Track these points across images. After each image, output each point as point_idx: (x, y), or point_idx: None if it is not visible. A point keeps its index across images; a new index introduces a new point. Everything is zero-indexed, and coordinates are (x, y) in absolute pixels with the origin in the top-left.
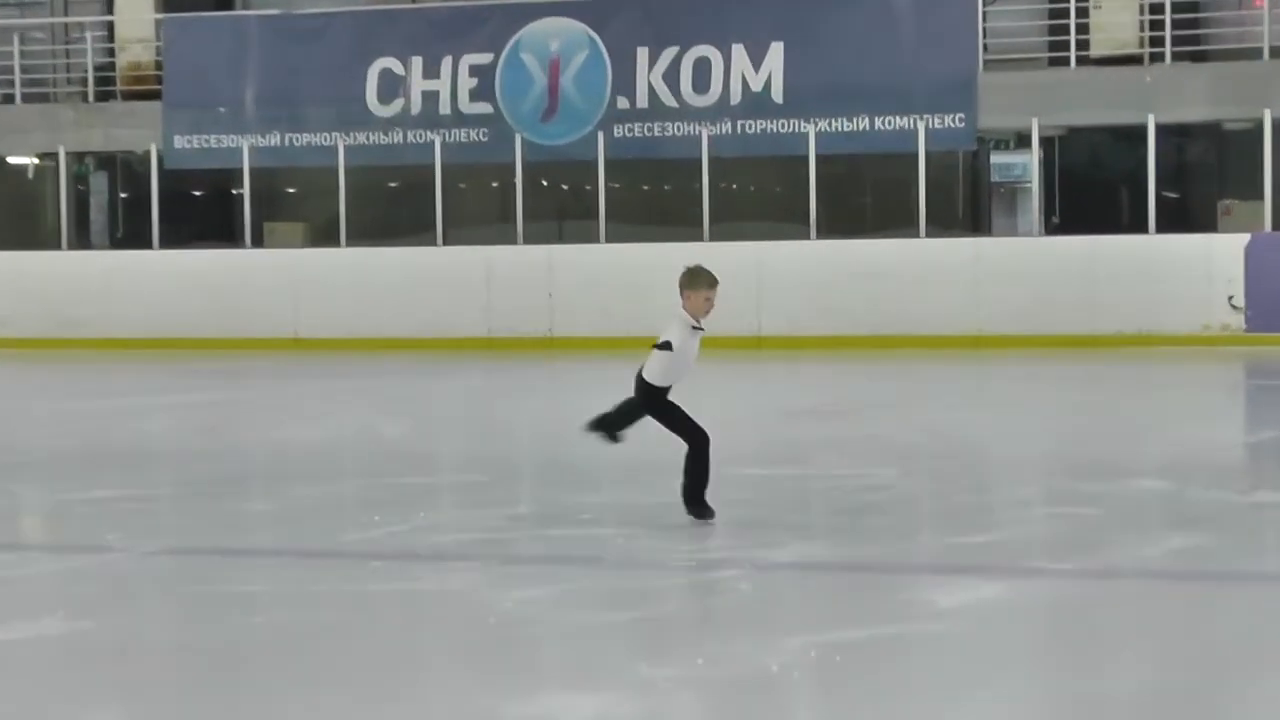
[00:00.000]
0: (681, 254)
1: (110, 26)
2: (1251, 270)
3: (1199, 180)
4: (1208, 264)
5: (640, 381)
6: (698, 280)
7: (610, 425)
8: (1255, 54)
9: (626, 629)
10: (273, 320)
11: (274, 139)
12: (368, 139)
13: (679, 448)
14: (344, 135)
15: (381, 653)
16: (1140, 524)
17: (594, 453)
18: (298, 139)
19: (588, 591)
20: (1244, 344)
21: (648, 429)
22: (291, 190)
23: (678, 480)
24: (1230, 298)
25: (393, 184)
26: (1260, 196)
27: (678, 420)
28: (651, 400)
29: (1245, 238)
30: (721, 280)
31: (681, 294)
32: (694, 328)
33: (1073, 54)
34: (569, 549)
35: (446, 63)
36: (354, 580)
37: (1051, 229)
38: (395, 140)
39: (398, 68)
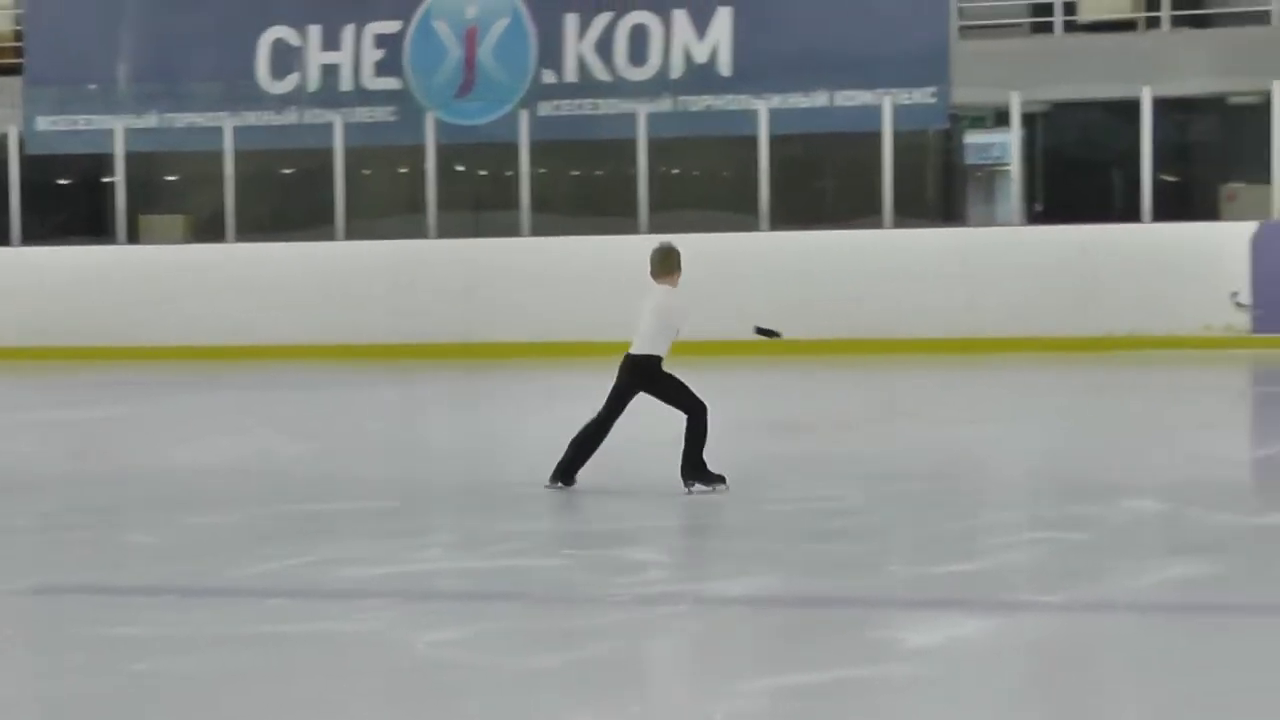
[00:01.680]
0: (615, 247)
1: None
2: (1259, 263)
3: (1200, 162)
4: (1210, 256)
5: (632, 361)
6: (674, 261)
7: (568, 470)
8: (1263, 19)
9: (556, 674)
10: (151, 326)
11: (151, 120)
12: (258, 119)
13: (611, 470)
14: (231, 115)
15: (281, 702)
16: (1136, 550)
17: (520, 475)
18: (178, 120)
19: (513, 631)
20: (1250, 346)
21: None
22: (171, 178)
23: (612, 504)
24: (1234, 294)
25: (287, 170)
26: (1268, 180)
27: (677, 390)
28: (650, 373)
29: (1252, 226)
30: None
31: (657, 279)
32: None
33: (1058, 19)
34: (492, 583)
35: (348, 32)
36: (249, 621)
37: (1034, 217)
38: (290, 121)
39: (292, 38)
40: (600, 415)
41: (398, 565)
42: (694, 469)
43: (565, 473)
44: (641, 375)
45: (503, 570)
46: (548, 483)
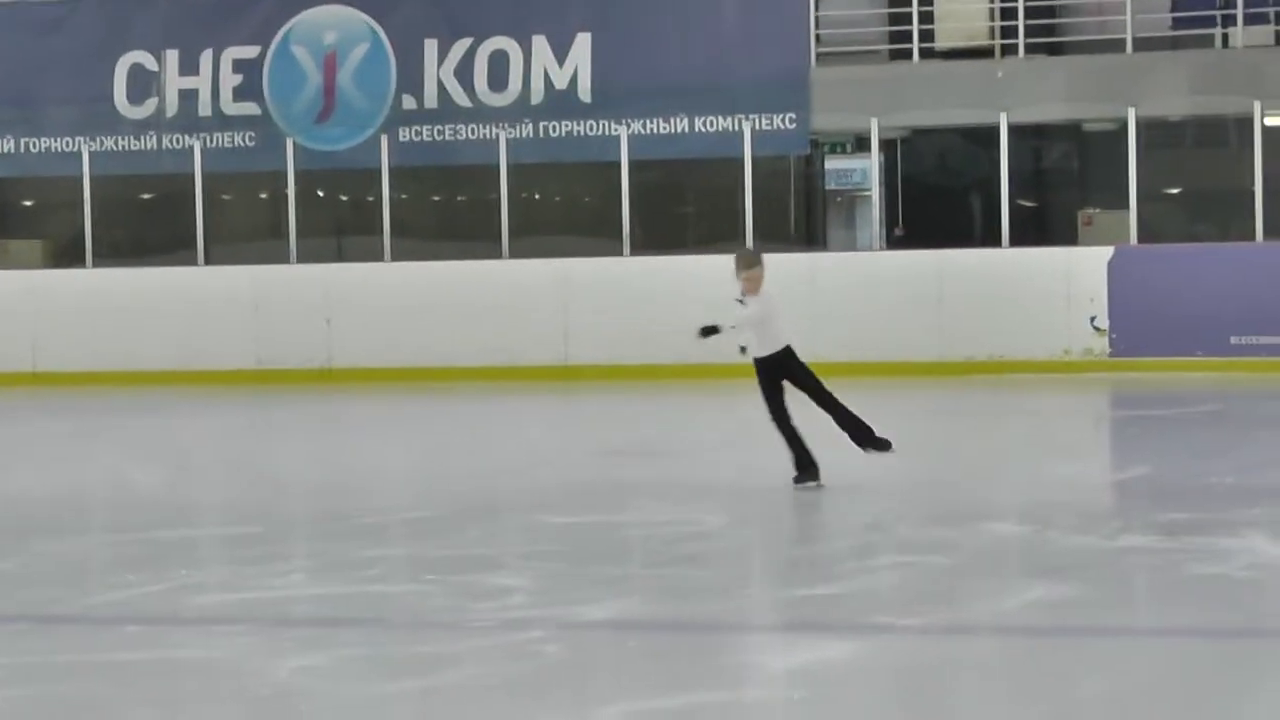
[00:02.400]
0: (477, 272)
1: None
2: (1115, 288)
3: (1058, 187)
4: (1068, 281)
5: (757, 364)
6: (749, 260)
7: (802, 463)
8: (1118, 46)
9: (415, 700)
10: (6, 352)
11: (7, 144)
12: (116, 144)
13: (476, 496)
14: (89, 140)
15: None
16: (997, 573)
17: (380, 501)
18: (35, 144)
19: (372, 658)
20: (1108, 370)
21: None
22: (28, 203)
23: (473, 529)
24: (1092, 319)
25: (146, 195)
26: (1125, 205)
27: (803, 380)
28: (767, 373)
29: (1108, 251)
30: (523, 301)
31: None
32: (737, 300)
33: (916, 46)
34: (351, 609)
35: (206, 57)
36: (104, 649)
37: (894, 242)
38: (148, 146)
39: (150, 63)
40: (773, 411)
41: (256, 591)
42: (861, 434)
43: (804, 467)
44: (763, 373)
45: (362, 596)
46: (794, 484)
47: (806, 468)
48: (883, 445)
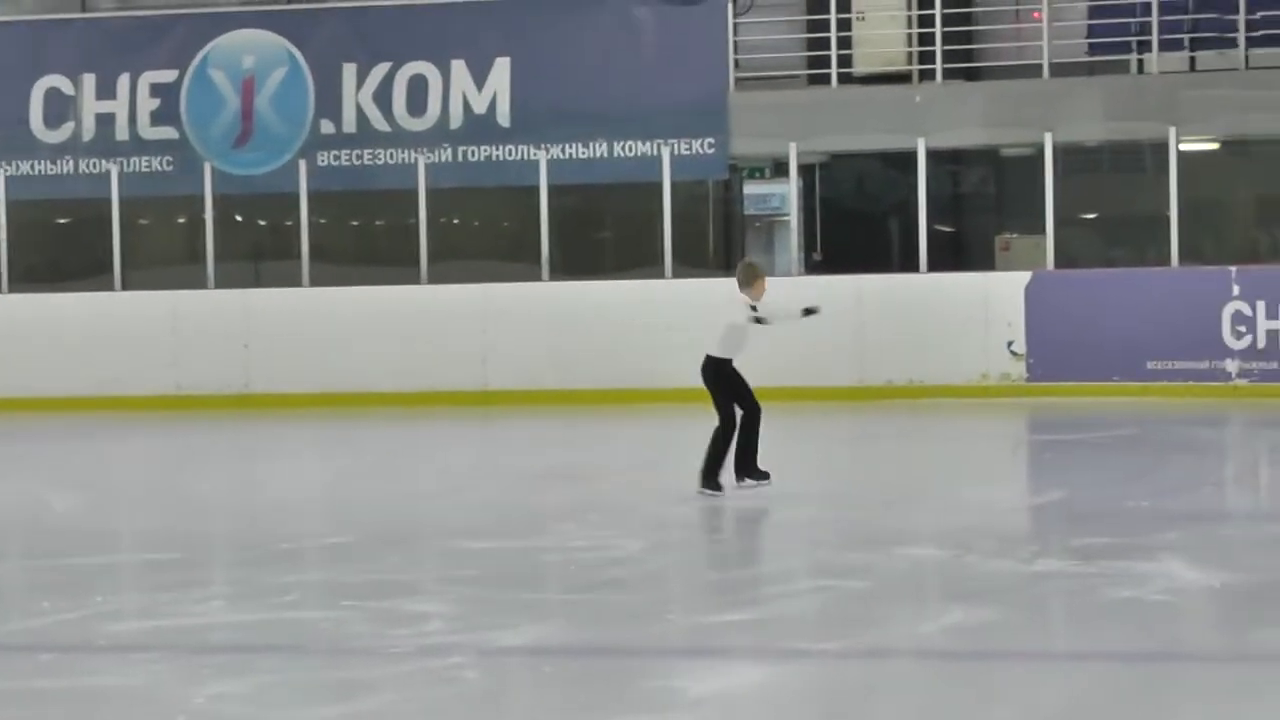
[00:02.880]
0: (395, 297)
1: None
2: (1032, 313)
3: (975, 212)
4: (985, 306)
5: (709, 361)
6: (756, 272)
7: (710, 473)
8: (1034, 72)
9: None
10: None
11: None
12: (32, 169)
13: (391, 521)
14: (4, 164)
15: None
16: (914, 597)
17: (299, 527)
18: None
19: (290, 684)
20: (1026, 395)
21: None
22: None
23: (392, 555)
24: (1010, 343)
25: (62, 220)
26: (1042, 230)
27: (737, 389)
28: (719, 372)
29: (1025, 276)
30: (442, 326)
31: (741, 289)
32: (751, 307)
33: (834, 72)
34: (268, 635)
35: (124, 81)
36: (19, 676)
37: (812, 267)
38: (65, 170)
39: (66, 87)
40: (739, 408)
41: (172, 618)
42: (747, 465)
43: (712, 477)
44: (717, 374)
45: (280, 622)
46: (698, 490)
47: (714, 479)
48: (760, 476)
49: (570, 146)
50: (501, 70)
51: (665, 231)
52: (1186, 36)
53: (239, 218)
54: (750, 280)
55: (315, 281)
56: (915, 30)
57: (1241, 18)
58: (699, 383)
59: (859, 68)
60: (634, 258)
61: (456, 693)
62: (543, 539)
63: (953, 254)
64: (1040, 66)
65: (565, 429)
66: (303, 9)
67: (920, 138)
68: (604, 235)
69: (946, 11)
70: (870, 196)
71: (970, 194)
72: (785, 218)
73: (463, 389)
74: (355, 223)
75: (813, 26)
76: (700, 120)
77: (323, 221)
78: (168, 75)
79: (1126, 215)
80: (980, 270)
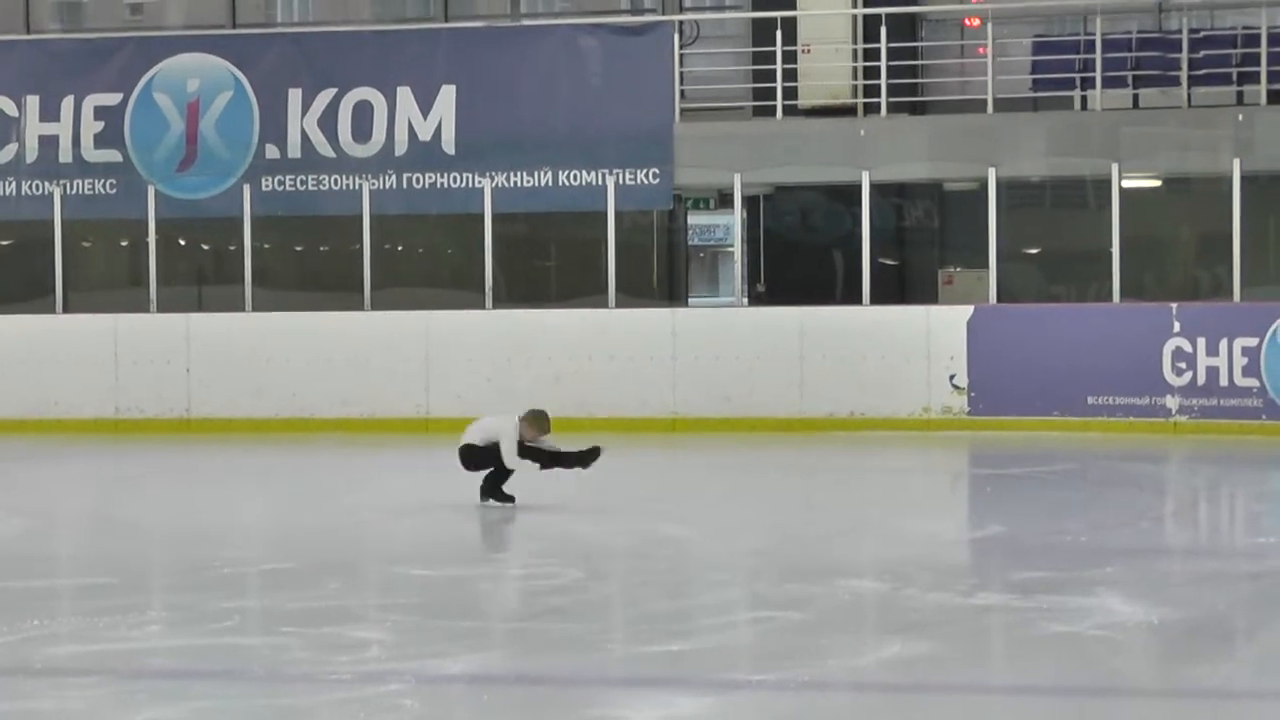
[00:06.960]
0: (338, 324)
1: None
2: (974, 347)
3: (918, 246)
4: (927, 339)
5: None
6: (542, 422)
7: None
8: (979, 106)
9: None
10: None
11: None
12: None
13: (334, 546)
14: None
15: None
16: (853, 629)
17: (237, 553)
18: None
19: (228, 710)
20: (967, 428)
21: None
22: None
23: (332, 581)
24: (952, 377)
25: (4, 242)
26: (984, 264)
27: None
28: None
29: (968, 310)
30: (385, 353)
31: (522, 422)
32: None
33: (779, 104)
34: (206, 661)
35: (67, 103)
36: None
37: (756, 298)
38: (7, 192)
39: (10, 108)
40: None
41: (109, 643)
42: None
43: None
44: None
45: (218, 648)
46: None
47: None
48: (505, 499)
49: (515, 175)
50: (447, 97)
51: (609, 261)
52: (1130, 74)
53: (182, 241)
54: (539, 426)
55: (258, 306)
56: (861, 64)
57: (1184, 56)
58: (641, 412)
59: (804, 100)
60: (578, 287)
61: None
62: (483, 567)
63: (896, 287)
64: (985, 101)
65: None
66: (249, 33)
67: (865, 171)
68: (548, 264)
69: (892, 45)
70: (814, 229)
71: (914, 227)
72: (729, 249)
73: (405, 416)
74: (299, 248)
75: (758, 58)
76: (646, 150)
77: (266, 246)
78: (112, 98)
79: (1069, 251)
80: (923, 304)
